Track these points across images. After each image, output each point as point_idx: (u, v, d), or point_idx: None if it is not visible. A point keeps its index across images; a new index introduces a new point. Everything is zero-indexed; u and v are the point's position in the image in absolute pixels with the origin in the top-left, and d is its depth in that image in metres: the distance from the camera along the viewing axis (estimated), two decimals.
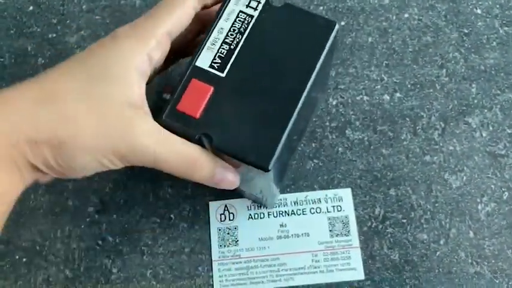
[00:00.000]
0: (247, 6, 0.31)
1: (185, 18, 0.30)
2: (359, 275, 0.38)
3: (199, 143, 0.29)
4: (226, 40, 0.30)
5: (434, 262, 0.38)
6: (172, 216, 0.40)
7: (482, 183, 0.40)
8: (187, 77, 0.29)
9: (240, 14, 0.31)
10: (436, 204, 0.39)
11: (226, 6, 0.31)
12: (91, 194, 0.40)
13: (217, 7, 0.32)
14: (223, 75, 0.29)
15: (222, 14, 0.31)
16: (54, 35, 0.45)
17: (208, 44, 0.30)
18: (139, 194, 0.40)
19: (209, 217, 0.39)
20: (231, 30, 0.30)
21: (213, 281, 0.38)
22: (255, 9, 0.31)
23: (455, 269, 0.38)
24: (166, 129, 0.28)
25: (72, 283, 0.38)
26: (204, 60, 0.30)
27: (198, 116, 0.28)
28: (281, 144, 0.28)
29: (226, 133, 0.28)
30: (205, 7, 0.32)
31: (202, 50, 0.30)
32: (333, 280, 0.38)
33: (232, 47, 0.30)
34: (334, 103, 0.42)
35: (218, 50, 0.30)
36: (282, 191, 0.40)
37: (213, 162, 0.29)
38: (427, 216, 0.39)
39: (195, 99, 0.29)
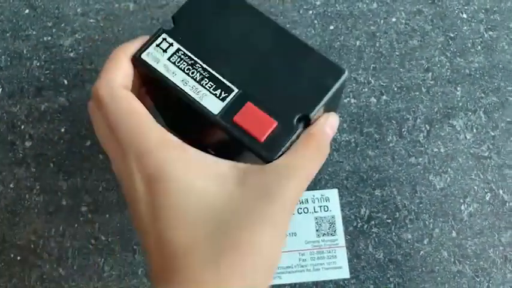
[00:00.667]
0: (164, 50, 0.30)
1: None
2: (344, 273, 0.39)
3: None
4: (201, 82, 0.29)
5: (418, 261, 0.39)
6: None
7: (465, 184, 0.41)
8: (226, 122, 0.28)
9: (172, 57, 0.30)
10: (420, 205, 0.40)
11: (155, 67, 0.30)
12: (84, 193, 0.41)
13: None
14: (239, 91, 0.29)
15: (163, 76, 0.29)
16: (49, 38, 0.46)
17: (196, 95, 0.29)
18: None
19: None
20: (186, 70, 0.30)
21: None
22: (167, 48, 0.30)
23: (438, 268, 0.39)
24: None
25: (66, 281, 0.39)
26: (213, 105, 0.29)
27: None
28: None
29: None
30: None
31: (201, 104, 0.29)
32: (319, 278, 0.39)
33: (208, 74, 0.30)
34: None
35: (209, 88, 0.29)
36: None
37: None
38: (412, 216, 0.40)
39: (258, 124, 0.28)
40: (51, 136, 0.43)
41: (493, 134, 0.42)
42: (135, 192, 0.26)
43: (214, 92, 0.29)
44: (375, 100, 0.43)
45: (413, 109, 0.43)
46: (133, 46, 0.30)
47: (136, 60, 0.29)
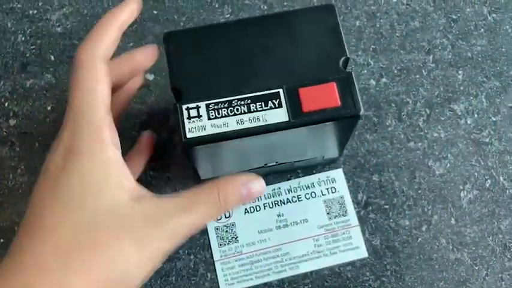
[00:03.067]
0: (198, 116, 0.29)
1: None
2: (363, 253, 0.38)
3: None
4: (251, 109, 0.29)
5: (416, 248, 0.38)
6: None
7: (465, 170, 0.40)
8: (302, 118, 0.29)
9: (210, 114, 0.29)
10: (419, 191, 0.39)
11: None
12: None
13: None
14: None
15: (220, 134, 0.29)
16: (35, 12, 0.44)
17: (259, 122, 0.29)
18: None
19: None
20: (230, 113, 0.29)
21: (218, 280, 0.37)
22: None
23: (436, 255, 0.38)
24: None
25: None
26: (278, 116, 0.29)
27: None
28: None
29: None
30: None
31: (269, 124, 0.29)
32: (337, 262, 0.38)
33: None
34: None
35: (261, 108, 0.29)
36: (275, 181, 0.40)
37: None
38: (410, 202, 0.39)
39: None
40: (37, 114, 0.41)
41: (494, 119, 0.41)
42: (52, 159, 0.27)
43: (268, 107, 0.29)
44: (374, 82, 0.42)
45: (413, 92, 0.42)
46: (122, 13, 0.29)
47: (188, 143, 0.28)
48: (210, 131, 0.28)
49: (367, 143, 0.40)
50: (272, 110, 0.29)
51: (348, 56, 0.30)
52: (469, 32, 0.43)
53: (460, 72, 0.42)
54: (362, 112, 0.29)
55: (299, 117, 0.28)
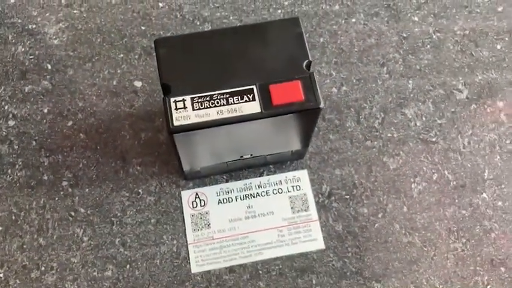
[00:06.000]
0: (184, 108, 0.34)
1: None
2: (320, 244, 0.43)
3: None
4: (230, 101, 0.34)
5: (373, 233, 0.43)
6: (140, 191, 0.44)
7: (415, 165, 0.45)
8: (272, 110, 0.34)
9: (194, 105, 0.34)
10: (375, 183, 0.45)
11: None
12: (65, 169, 0.44)
13: None
14: None
15: (203, 123, 0.34)
16: (34, 26, 0.49)
17: (236, 113, 0.34)
18: (110, 170, 0.44)
19: (182, 205, 0.43)
20: (212, 105, 0.34)
21: (189, 261, 0.42)
22: None
23: (390, 238, 0.43)
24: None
25: (45, 250, 0.42)
26: (252, 108, 0.34)
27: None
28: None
29: None
30: None
31: (244, 115, 0.34)
32: (297, 251, 0.42)
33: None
34: None
35: (238, 101, 0.34)
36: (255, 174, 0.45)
37: None
38: (368, 193, 0.44)
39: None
40: (34, 116, 0.46)
41: (439, 122, 0.47)
42: None
43: (244, 100, 0.34)
44: (336, 90, 0.48)
45: (370, 99, 0.48)
46: None
47: (175, 130, 0.33)
48: (194, 120, 0.34)
49: (330, 142, 0.46)
50: (247, 103, 0.34)
51: (310, 59, 0.35)
52: (417, 48, 0.50)
53: (410, 81, 0.48)
54: (322, 105, 0.34)
55: (270, 109, 0.34)
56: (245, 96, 0.34)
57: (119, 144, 0.45)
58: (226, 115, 0.34)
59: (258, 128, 0.35)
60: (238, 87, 0.34)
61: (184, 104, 0.34)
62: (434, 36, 0.50)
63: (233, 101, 0.34)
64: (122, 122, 0.46)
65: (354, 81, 0.48)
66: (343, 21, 0.51)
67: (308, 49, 0.36)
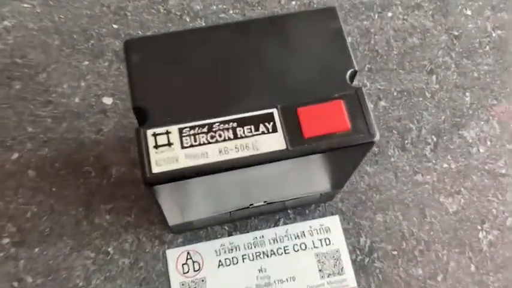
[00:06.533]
0: (169, 144, 0.22)
1: None
2: None
3: None
4: (238, 135, 0.22)
5: None
6: (110, 250, 0.32)
7: (482, 207, 0.34)
8: (302, 146, 0.22)
9: (184, 142, 0.22)
10: (431, 233, 0.33)
11: None
12: (7, 221, 0.32)
13: None
14: None
15: (197, 167, 0.22)
16: None
17: (248, 151, 0.22)
18: (69, 221, 0.32)
19: (168, 270, 0.32)
20: (211, 139, 0.22)
21: None
22: None
23: None
24: None
25: None
26: (273, 143, 0.23)
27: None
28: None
29: None
30: None
31: (261, 153, 0.22)
32: None
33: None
34: None
35: (251, 133, 0.22)
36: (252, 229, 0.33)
37: None
38: (421, 247, 0.33)
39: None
40: None
41: (509, 147, 0.36)
42: None
43: (260, 131, 0.22)
44: (372, 106, 0.36)
45: (417, 117, 0.36)
46: None
47: (154, 180, 0.21)
48: (184, 163, 0.22)
49: (367, 176, 0.34)
50: (265, 135, 0.22)
51: (356, 68, 0.24)
52: (474, 49, 0.38)
53: (467, 94, 0.37)
54: (377, 137, 0.23)
55: (299, 144, 0.22)
56: (261, 125, 0.22)
57: (81, 184, 0.33)
58: (233, 155, 0.22)
59: (280, 169, 0.24)
60: (251, 111, 0.23)
61: (168, 139, 0.22)
62: (494, 34, 0.39)
63: (243, 133, 0.22)
64: (86, 153, 0.34)
65: (395, 93, 0.37)
66: (376, 16, 0.39)
67: (352, 53, 0.24)
